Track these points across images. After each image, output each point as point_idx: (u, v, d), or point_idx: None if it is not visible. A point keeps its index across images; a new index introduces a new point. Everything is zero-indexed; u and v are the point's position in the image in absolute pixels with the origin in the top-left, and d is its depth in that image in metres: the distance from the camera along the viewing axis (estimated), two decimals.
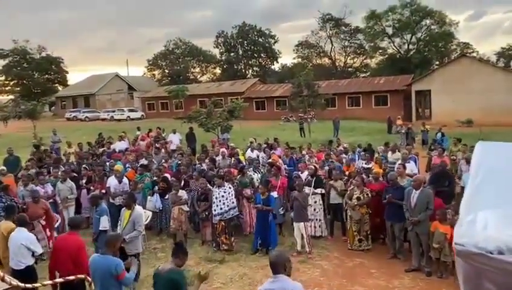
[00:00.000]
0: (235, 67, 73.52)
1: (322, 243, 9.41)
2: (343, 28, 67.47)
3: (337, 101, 39.90)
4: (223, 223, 8.93)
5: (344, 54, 70.26)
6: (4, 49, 62.13)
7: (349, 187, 9.35)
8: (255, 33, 73.11)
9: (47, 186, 10.26)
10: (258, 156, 12.85)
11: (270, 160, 11.66)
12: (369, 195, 8.83)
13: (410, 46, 58.68)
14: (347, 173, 10.60)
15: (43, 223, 8.61)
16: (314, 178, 9.74)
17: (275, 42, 74.50)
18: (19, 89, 63.22)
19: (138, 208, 7.69)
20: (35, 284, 4.22)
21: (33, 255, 6.19)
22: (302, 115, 27.38)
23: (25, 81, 63.44)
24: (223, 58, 75.75)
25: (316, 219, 9.63)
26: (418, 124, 26.74)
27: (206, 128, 18.88)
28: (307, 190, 9.43)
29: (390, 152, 12.53)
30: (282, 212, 9.92)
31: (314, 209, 9.61)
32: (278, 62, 77.90)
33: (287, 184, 10.28)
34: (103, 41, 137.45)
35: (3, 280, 3.49)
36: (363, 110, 39.08)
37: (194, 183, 10.17)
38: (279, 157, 12.41)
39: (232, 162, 12.33)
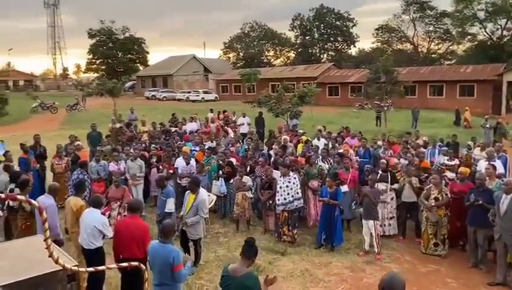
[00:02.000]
0: (310, 51, 72.22)
1: (393, 244, 8.71)
2: (429, 11, 63.01)
3: (418, 90, 37.46)
4: (286, 214, 8.56)
5: (428, 39, 65.84)
6: (93, 29, 66.37)
7: (426, 186, 8.50)
8: (333, 16, 71.06)
9: (120, 164, 10.56)
10: (326, 145, 12.25)
11: (340, 150, 11.00)
12: (448, 196, 7.96)
13: (505, 33, 53.33)
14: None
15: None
16: (389, 173, 9.00)
17: (353, 26, 72.02)
18: (104, 67, 67.32)
19: (202, 192, 7.55)
20: (89, 269, 4.16)
21: (103, 237, 6.28)
22: (378, 102, 26.02)
23: (109, 60, 67.28)
24: (298, 41, 74.71)
25: (393, 217, 8.94)
26: (508, 118, 24.24)
27: (275, 114, 18.51)
28: (381, 186, 8.74)
29: (478, 148, 11.30)
30: (354, 208, 9.34)
31: (392, 206, 8.92)
32: (355, 46, 75.42)
33: (358, 178, 9.64)
34: (182, 24, 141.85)
35: (57, 262, 3.39)
36: (445, 100, 36.32)
37: (259, 170, 9.89)
38: (351, 147, 11.68)
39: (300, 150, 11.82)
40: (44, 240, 3.37)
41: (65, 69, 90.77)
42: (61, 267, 3.55)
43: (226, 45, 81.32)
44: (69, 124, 26.86)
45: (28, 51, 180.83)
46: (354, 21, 71.87)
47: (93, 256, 5.99)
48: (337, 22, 71.36)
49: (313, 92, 19.91)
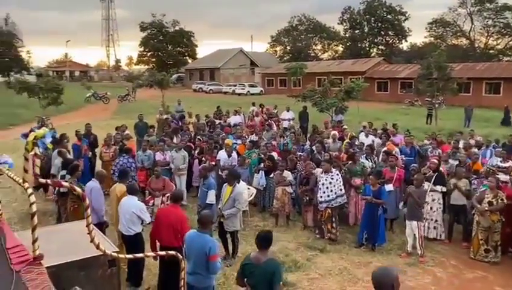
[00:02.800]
0: (359, 45, 70.60)
1: (438, 247, 8.36)
2: (488, 4, 59.68)
3: (472, 87, 35.66)
4: (330, 211, 8.43)
5: (486, 34, 62.48)
6: (144, 22, 68.36)
7: (479, 188, 8.08)
8: (384, 9, 68.97)
9: (166, 154, 10.83)
10: (373, 142, 11.93)
11: (385, 148, 10.68)
12: (504, 201, 7.52)
13: None
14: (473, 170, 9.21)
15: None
16: (436, 173, 8.64)
17: (406, 19, 69.58)
18: (154, 60, 69.23)
19: (241, 185, 7.60)
20: (128, 256, 4.30)
21: (142, 223, 6.48)
22: (430, 99, 25.01)
23: (159, 53, 69.11)
24: (347, 35, 73.22)
25: (432, 219, 8.59)
26: None
27: (320, 108, 18.24)
28: (425, 185, 8.41)
29: None
30: (401, 207, 9.07)
31: (431, 208, 8.57)
32: (406, 41, 72.88)
33: (404, 177, 9.33)
34: (231, 16, 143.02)
35: (98, 247, 3.52)
36: (503, 98, 34.25)
37: (301, 165, 9.81)
38: (397, 145, 11.30)
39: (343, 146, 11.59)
40: (87, 226, 3.50)
41: (118, 61, 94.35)
42: (101, 253, 3.69)
43: (273, 39, 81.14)
44: (120, 114, 27.87)
45: (84, 43, 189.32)
46: (407, 15, 69.44)
47: (133, 242, 6.19)
48: (389, 16, 69.17)
49: (360, 87, 19.45)
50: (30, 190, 3.33)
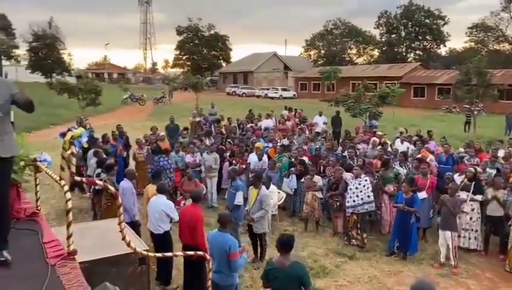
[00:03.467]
0: (395, 49, 69.19)
1: (472, 259, 8.07)
2: None
3: None
4: (355, 217, 8.33)
5: None
6: (181, 26, 69.69)
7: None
8: (422, 14, 67.34)
9: (196, 156, 11.00)
10: (408, 149, 11.67)
11: (419, 155, 10.43)
12: None
13: None
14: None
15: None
16: (474, 183, 8.37)
17: (445, 24, 67.61)
18: (189, 63, 70.38)
19: (271, 189, 7.64)
20: (157, 254, 4.39)
21: (171, 221, 6.61)
22: (468, 106, 24.19)
23: (195, 57, 70.23)
24: (383, 39, 71.92)
25: (472, 230, 8.31)
26: None
27: (353, 114, 18.00)
28: (462, 195, 8.16)
29: None
30: (432, 216, 8.84)
31: (471, 218, 8.30)
32: (445, 46, 70.83)
33: (437, 185, 9.08)
34: (266, 20, 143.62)
35: (128, 245, 3.63)
36: None
37: (330, 170, 9.73)
38: (432, 153, 11.01)
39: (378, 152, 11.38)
40: (119, 224, 3.61)
41: (154, 64, 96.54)
42: (132, 251, 3.79)
43: (308, 42, 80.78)
44: (155, 116, 28.48)
45: (122, 46, 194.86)
46: (446, 19, 67.52)
47: (161, 240, 6.34)
48: (427, 20, 67.45)
49: (395, 93, 19.04)
50: (66, 187, 3.47)
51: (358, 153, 11.02)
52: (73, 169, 3.45)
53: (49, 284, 3.09)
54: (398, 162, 10.04)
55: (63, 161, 3.52)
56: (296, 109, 21.42)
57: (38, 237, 3.91)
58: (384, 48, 71.37)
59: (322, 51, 78.31)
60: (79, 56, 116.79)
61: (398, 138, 12.78)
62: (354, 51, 79.71)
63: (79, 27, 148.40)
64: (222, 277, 5.02)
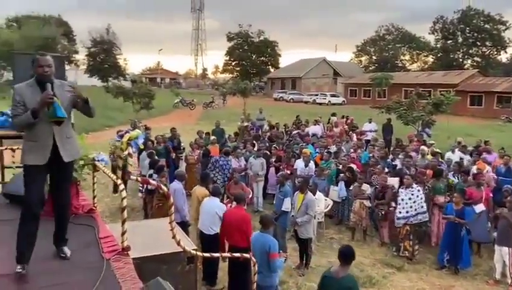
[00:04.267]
0: (451, 56, 66.44)
1: None
2: None
3: None
4: (408, 228, 8.07)
5: None
6: (231, 33, 70.87)
7: None
8: (481, 19, 64.29)
9: (241, 160, 11.13)
10: (461, 159, 11.19)
11: (474, 167, 9.97)
12: None
13: None
14: None
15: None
16: None
17: (506, 29, 64.13)
18: (238, 69, 71.35)
19: (318, 195, 7.61)
20: (205, 254, 4.50)
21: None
22: None
23: (244, 62, 71.07)
24: (438, 45, 69.35)
25: None
26: None
27: (405, 121, 17.47)
28: None
29: None
30: (488, 229, 8.41)
31: None
32: (506, 52, 67.11)
33: (494, 197, 8.62)
34: (315, 26, 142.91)
35: (178, 244, 3.75)
36: None
37: (376, 178, 9.51)
38: (489, 164, 10.47)
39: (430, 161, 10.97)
40: (169, 223, 3.74)
41: (204, 70, 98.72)
42: (182, 249, 3.91)
43: (359, 48, 79.49)
44: (204, 120, 29.06)
45: (174, 52, 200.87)
46: (507, 24, 64.08)
47: (211, 241, 6.48)
48: (486, 25, 64.34)
49: (450, 101, 18.29)
50: (122, 186, 3.66)
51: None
52: (130, 169, 3.62)
53: (105, 277, 3.26)
54: (452, 173, 9.66)
55: (120, 160, 3.72)
56: (347, 116, 21.14)
57: (95, 232, 4.13)
58: (439, 54, 68.78)
59: (374, 57, 76.75)
60: (134, 61, 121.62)
61: (455, 147, 12.23)
62: (407, 57, 77.51)
63: (134, 33, 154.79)
64: (262, 277, 5.15)
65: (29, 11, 59.35)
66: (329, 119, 19.99)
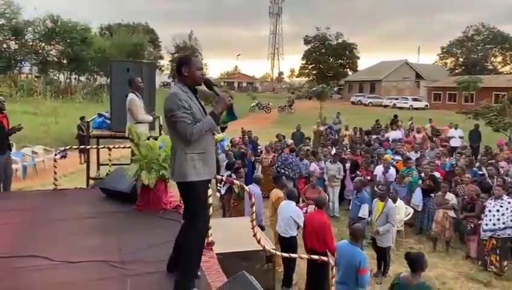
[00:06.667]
0: None
1: None
2: None
3: None
4: (494, 242, 7.53)
5: None
6: (308, 36, 70.74)
7: None
8: None
9: (321, 164, 11.12)
10: None
11: None
12: None
13: None
14: None
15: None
16: None
17: None
18: (315, 72, 70.94)
19: (398, 203, 7.40)
20: (284, 254, 4.61)
21: (298, 227, 6.83)
22: None
23: (320, 66, 70.55)
24: None
25: None
26: None
27: (495, 128, 16.25)
28: None
29: None
30: None
31: None
32: None
33: None
34: (398, 28, 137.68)
35: (259, 242, 3.90)
36: None
37: (462, 188, 8.97)
38: None
39: None
40: (251, 221, 3.90)
41: (280, 73, 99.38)
42: (261, 248, 4.05)
43: (444, 50, 75.14)
44: (279, 124, 29.34)
45: (251, 56, 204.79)
46: None
47: (287, 243, 6.58)
48: None
49: None
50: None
51: (500, 172, 9.97)
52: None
53: None
54: None
55: None
56: (430, 120, 20.22)
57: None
58: None
59: (461, 59, 72.09)
60: (213, 66, 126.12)
61: None
62: (499, 58, 71.82)
63: (214, 39, 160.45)
64: (347, 289, 5.02)
65: (120, 19, 64.05)
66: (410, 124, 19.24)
